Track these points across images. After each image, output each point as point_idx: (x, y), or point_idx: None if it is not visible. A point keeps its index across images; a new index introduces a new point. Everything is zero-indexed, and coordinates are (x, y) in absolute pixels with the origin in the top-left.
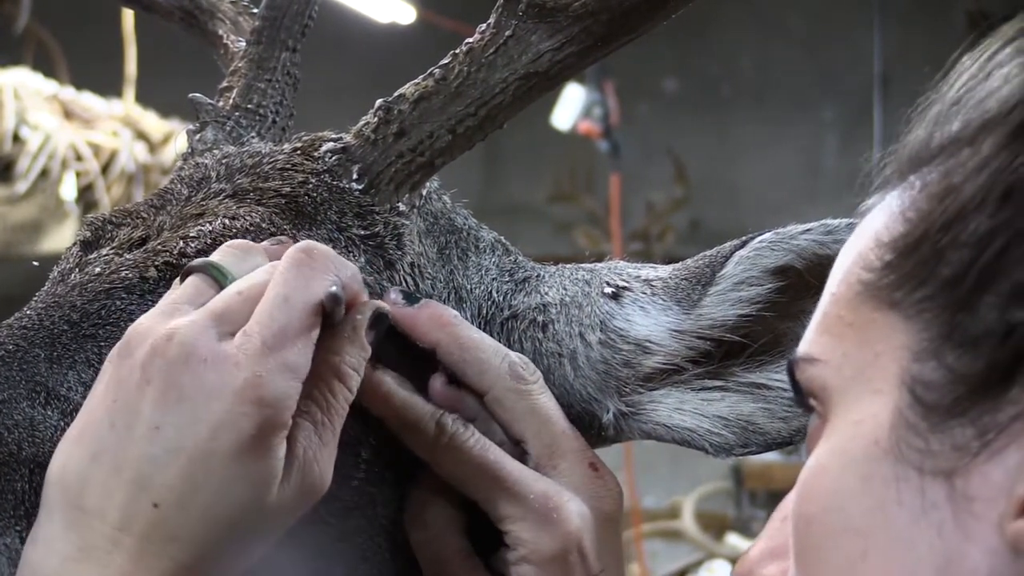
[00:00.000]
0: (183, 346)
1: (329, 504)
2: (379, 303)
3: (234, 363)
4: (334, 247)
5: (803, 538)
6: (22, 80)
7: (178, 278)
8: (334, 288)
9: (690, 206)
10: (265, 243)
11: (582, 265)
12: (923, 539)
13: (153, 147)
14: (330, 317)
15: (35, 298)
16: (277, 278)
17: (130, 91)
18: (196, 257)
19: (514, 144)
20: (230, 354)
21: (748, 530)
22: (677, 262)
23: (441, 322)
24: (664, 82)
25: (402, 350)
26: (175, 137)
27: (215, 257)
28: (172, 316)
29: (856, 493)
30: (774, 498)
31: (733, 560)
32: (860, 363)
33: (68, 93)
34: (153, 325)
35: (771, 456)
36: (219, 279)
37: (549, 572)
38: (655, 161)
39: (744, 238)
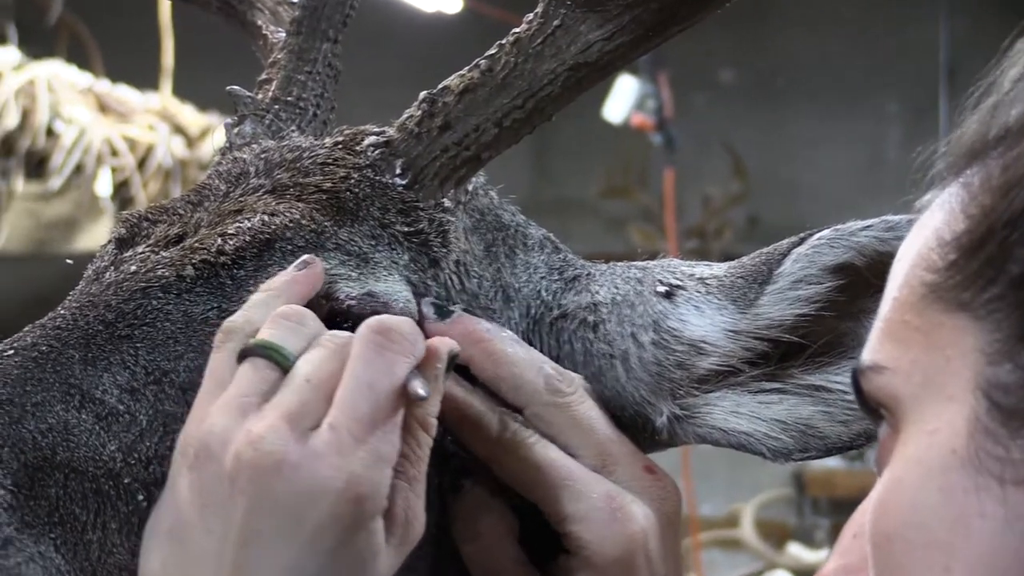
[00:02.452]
0: (271, 456)
1: None
2: (452, 345)
3: (328, 463)
4: (376, 244)
5: (883, 555)
6: (55, 73)
7: (234, 359)
8: (418, 385)
9: (748, 201)
10: (291, 268)
11: (634, 263)
12: (1008, 551)
13: (190, 141)
14: (410, 399)
15: (69, 297)
16: (357, 363)
17: (167, 84)
18: (234, 255)
19: (564, 138)
20: (321, 453)
21: (810, 539)
22: (734, 260)
23: (473, 338)
24: (720, 72)
25: None
26: (213, 131)
27: (267, 334)
28: (245, 414)
29: (936, 506)
30: (837, 506)
31: (794, 571)
32: (930, 369)
33: (103, 86)
34: (229, 427)
35: (834, 462)
36: (280, 362)
37: None
38: (711, 155)
39: (802, 235)
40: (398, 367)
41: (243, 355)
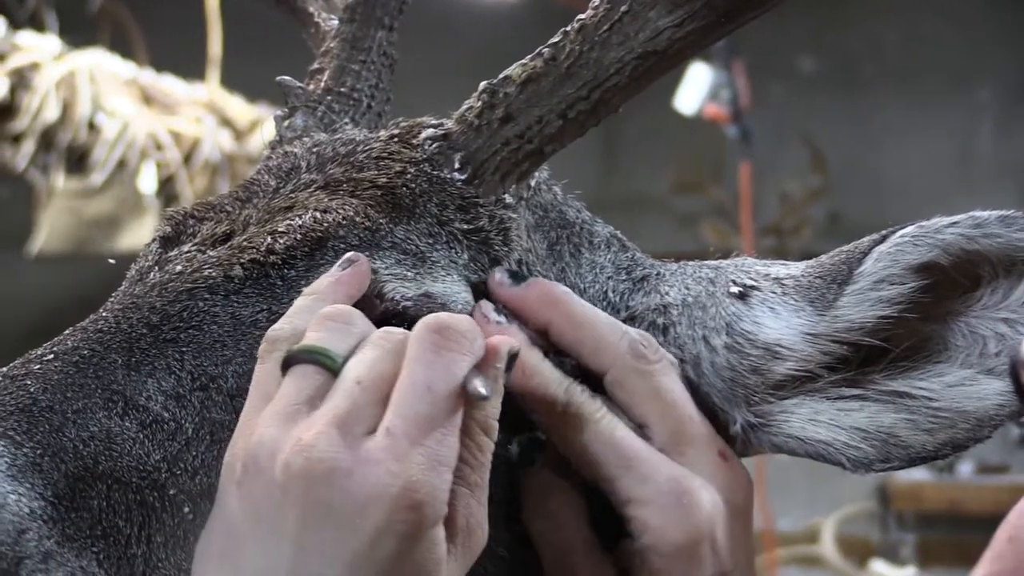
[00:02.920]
0: (322, 463)
1: None
2: (512, 343)
3: (384, 469)
4: (434, 242)
5: None
6: (97, 62)
7: (278, 367)
8: (479, 384)
9: (828, 197)
10: (335, 269)
11: (706, 262)
12: None
13: (239, 135)
14: (469, 401)
15: (111, 299)
16: (413, 364)
17: (214, 74)
18: (284, 254)
19: (633, 130)
20: (377, 459)
21: (894, 556)
22: (813, 259)
23: (551, 299)
24: (799, 60)
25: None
26: (262, 124)
27: (313, 338)
28: (294, 423)
29: None
30: (924, 520)
31: None
32: None
33: (147, 76)
34: (277, 437)
35: (920, 473)
36: (328, 365)
37: (676, 564)
38: (789, 147)
39: (884, 232)
40: (457, 367)
41: (288, 363)
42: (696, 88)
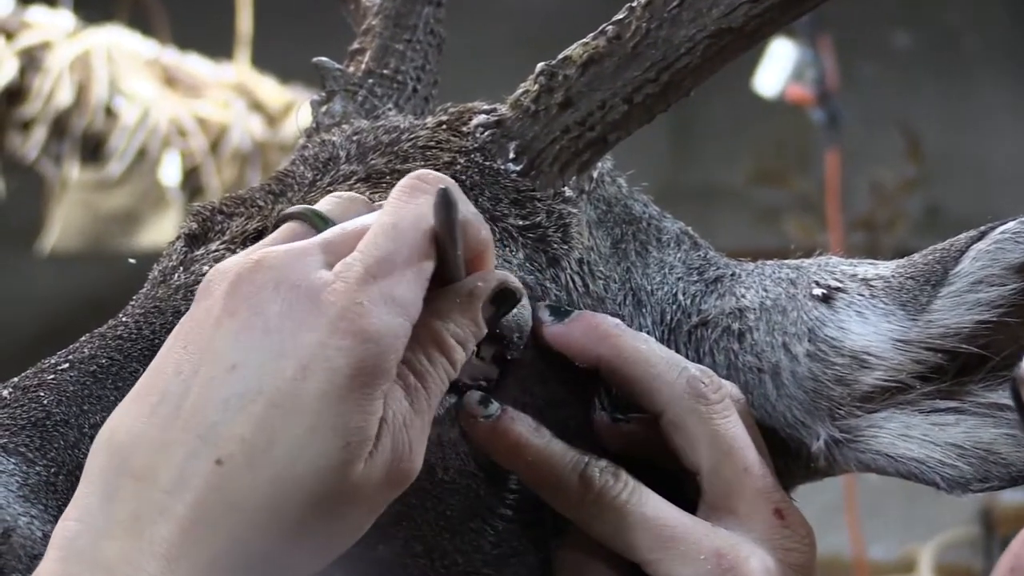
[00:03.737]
0: (273, 270)
1: None
2: (508, 276)
3: (330, 290)
4: None
5: None
6: (116, 41)
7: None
8: (452, 209)
9: (925, 188)
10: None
11: (786, 261)
12: None
13: (271, 120)
14: (445, 252)
15: (132, 303)
16: (386, 206)
17: (244, 53)
18: None
19: (708, 115)
20: (326, 280)
21: None
22: (905, 257)
23: (599, 334)
24: (893, 35)
25: (559, 380)
26: (297, 109)
27: (317, 205)
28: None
29: None
30: None
31: None
32: None
33: (170, 56)
34: (239, 259)
35: None
36: (319, 225)
37: None
38: (882, 133)
39: (983, 228)
40: (428, 209)
41: (280, 221)
42: (778, 68)
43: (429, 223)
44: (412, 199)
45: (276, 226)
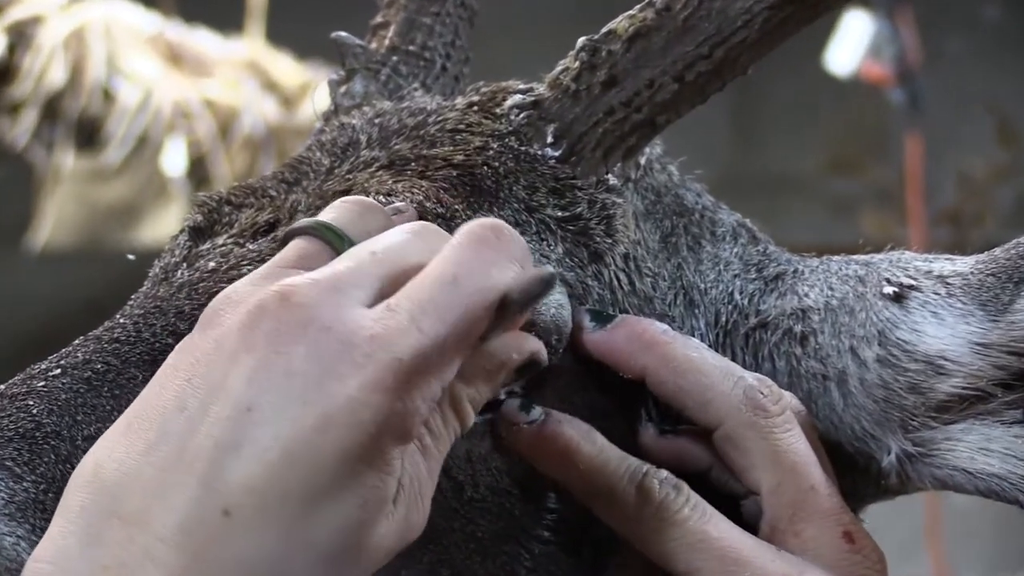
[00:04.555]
0: (303, 308)
1: None
2: (540, 348)
3: (367, 337)
4: (522, 232)
5: None
6: (114, 15)
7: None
8: (519, 284)
9: (1018, 176)
10: (391, 207)
11: (854, 257)
12: None
13: (287, 102)
14: (497, 321)
15: (131, 302)
16: (447, 253)
17: (256, 28)
18: None
19: (774, 96)
20: (362, 325)
21: None
22: (985, 252)
23: (645, 341)
24: (982, 6)
25: (601, 388)
26: (314, 89)
27: (326, 216)
28: (274, 279)
29: None
30: None
31: None
32: None
33: (175, 31)
34: (254, 291)
35: None
36: (335, 243)
37: None
38: (969, 116)
39: None
40: (499, 271)
41: (288, 237)
42: (852, 43)
43: (498, 289)
44: (478, 254)
45: (283, 243)
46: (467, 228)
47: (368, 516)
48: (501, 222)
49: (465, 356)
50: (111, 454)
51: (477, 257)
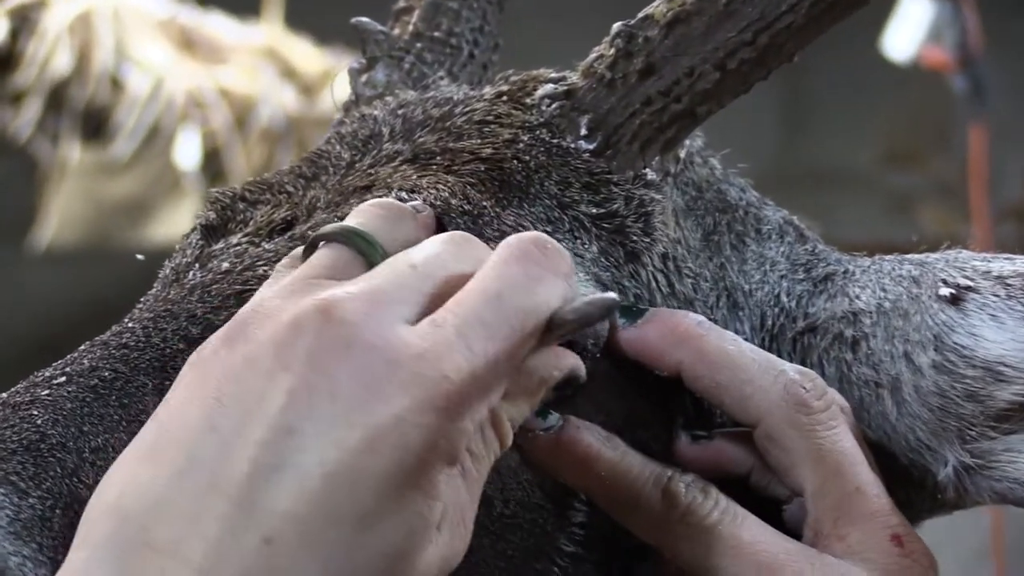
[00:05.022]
0: (345, 326)
1: None
2: (579, 364)
3: (415, 355)
4: (554, 231)
5: None
6: None
7: (301, 251)
8: (575, 307)
9: None
10: (411, 204)
11: (908, 257)
12: None
13: (307, 91)
14: (544, 340)
15: (140, 305)
16: (492, 268)
17: (274, 12)
18: None
19: (826, 84)
20: (410, 342)
21: None
22: None
23: (679, 335)
24: None
25: (639, 393)
26: (334, 78)
27: (354, 221)
28: (307, 292)
29: None
30: None
31: None
32: None
33: (188, 16)
34: (284, 304)
35: None
36: (368, 253)
37: None
38: None
39: None
40: (545, 289)
41: (314, 243)
42: (911, 26)
43: (546, 309)
44: (524, 269)
45: (309, 250)
46: (511, 241)
47: (413, 543)
48: (545, 235)
49: (512, 376)
50: (135, 480)
51: (523, 272)
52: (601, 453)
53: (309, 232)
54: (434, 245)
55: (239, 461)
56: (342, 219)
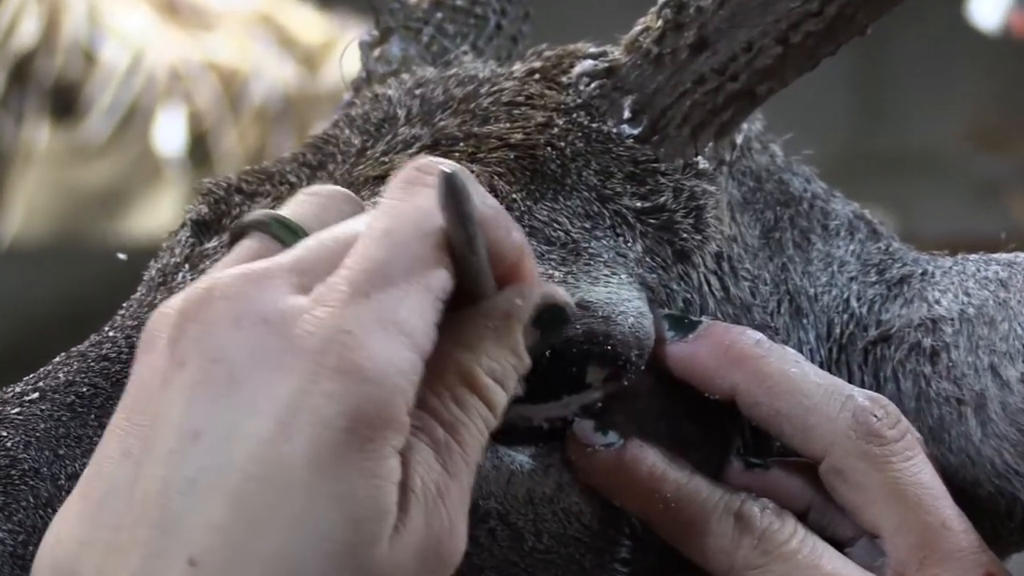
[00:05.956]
0: (228, 301)
1: None
2: (555, 289)
3: (307, 318)
4: (593, 227)
5: None
6: None
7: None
8: (463, 198)
9: None
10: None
11: (995, 256)
12: None
13: (308, 63)
14: (462, 260)
15: (122, 311)
16: (378, 209)
17: None
18: None
19: (902, 56)
20: (301, 306)
21: None
22: None
23: (734, 354)
24: None
25: (689, 413)
26: (341, 48)
27: (285, 210)
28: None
29: None
30: None
31: None
32: None
33: None
34: (183, 294)
35: None
36: (287, 240)
37: None
38: None
39: None
40: (432, 203)
41: (236, 235)
42: None
43: (437, 223)
44: (411, 196)
45: (231, 242)
46: (396, 175)
47: (365, 534)
48: (432, 158)
49: (435, 311)
50: (66, 524)
51: (409, 199)
52: (667, 474)
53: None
54: (355, 223)
55: (151, 480)
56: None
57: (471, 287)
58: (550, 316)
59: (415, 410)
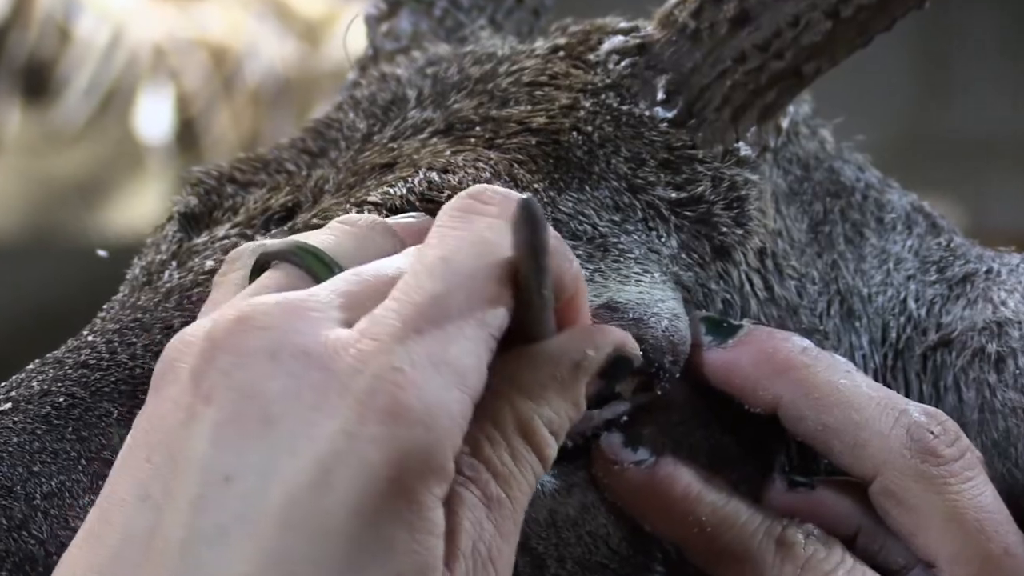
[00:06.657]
0: (266, 332)
1: None
2: (626, 338)
3: (353, 353)
4: (623, 220)
5: None
6: None
7: (243, 283)
8: (539, 228)
9: None
10: (397, 218)
11: None
12: None
13: (308, 38)
14: (526, 296)
15: (102, 313)
16: (432, 237)
17: None
18: None
19: (969, 31)
20: (345, 340)
21: None
22: None
23: (778, 363)
24: None
25: (727, 425)
26: (345, 24)
27: (315, 239)
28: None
29: None
30: None
31: None
32: None
33: None
34: (210, 320)
35: None
36: (320, 273)
37: None
38: None
39: None
40: (494, 233)
41: (259, 267)
42: None
43: (498, 255)
44: (468, 224)
45: (256, 273)
46: (450, 202)
47: None
48: (490, 186)
49: (489, 351)
50: (73, 572)
51: (465, 227)
52: (703, 495)
53: (317, 223)
54: (396, 259)
55: (173, 527)
56: (362, 208)
57: (529, 325)
58: (617, 367)
59: (468, 458)
